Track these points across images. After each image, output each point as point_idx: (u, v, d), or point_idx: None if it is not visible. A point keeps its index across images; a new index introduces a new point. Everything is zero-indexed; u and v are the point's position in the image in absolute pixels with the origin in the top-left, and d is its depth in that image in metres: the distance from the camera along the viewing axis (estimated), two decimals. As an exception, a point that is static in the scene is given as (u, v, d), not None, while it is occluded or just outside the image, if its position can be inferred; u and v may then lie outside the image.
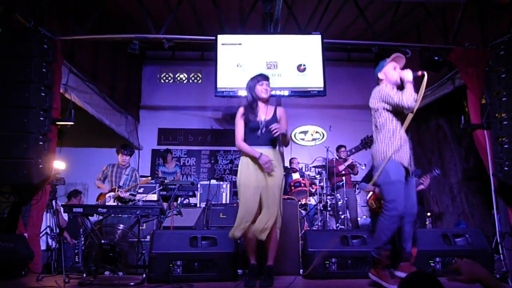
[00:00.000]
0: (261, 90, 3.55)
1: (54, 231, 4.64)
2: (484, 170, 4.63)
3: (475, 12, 5.43)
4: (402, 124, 3.26)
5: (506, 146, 4.14)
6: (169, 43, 5.13)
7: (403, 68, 3.36)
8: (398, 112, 3.23)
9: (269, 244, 3.42)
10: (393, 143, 3.22)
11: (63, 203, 5.56)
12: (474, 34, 5.42)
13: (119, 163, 5.74)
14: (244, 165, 3.46)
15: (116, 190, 5.51)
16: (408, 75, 3.22)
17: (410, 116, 3.20)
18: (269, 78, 3.67)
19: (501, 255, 4.22)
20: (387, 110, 3.28)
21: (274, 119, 3.51)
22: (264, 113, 3.53)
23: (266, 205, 3.36)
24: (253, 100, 3.58)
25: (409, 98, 3.11)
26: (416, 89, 3.19)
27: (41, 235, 4.51)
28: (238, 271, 3.95)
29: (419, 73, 3.25)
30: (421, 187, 5.98)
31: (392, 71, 3.35)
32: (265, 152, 3.40)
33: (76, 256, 4.88)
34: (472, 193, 6.87)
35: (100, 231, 4.08)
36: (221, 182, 7.04)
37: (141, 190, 5.83)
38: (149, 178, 5.94)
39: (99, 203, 5.55)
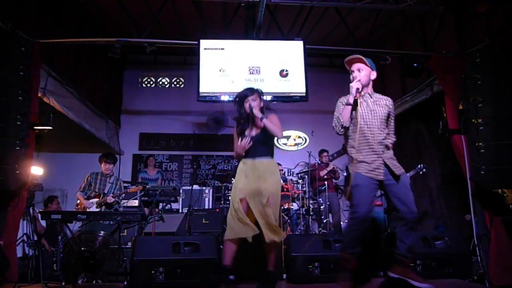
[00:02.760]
0: (247, 107, 3.54)
1: (31, 238, 4.53)
2: (462, 174, 4.73)
3: (452, 20, 5.58)
4: (360, 130, 3.23)
5: (483, 150, 4.24)
6: (151, 47, 5.09)
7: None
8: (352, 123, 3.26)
9: (269, 249, 3.42)
10: (351, 153, 3.28)
11: (40, 210, 5.42)
12: (451, 41, 5.56)
13: (103, 171, 5.63)
14: (238, 170, 3.58)
15: (101, 197, 5.40)
16: (351, 93, 3.18)
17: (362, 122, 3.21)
18: (253, 91, 3.61)
19: (479, 257, 4.30)
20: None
21: (264, 131, 3.50)
22: (256, 125, 3.55)
23: (257, 210, 3.37)
24: (240, 116, 3.61)
25: (336, 125, 3.26)
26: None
27: (17, 242, 4.39)
28: (221, 277, 3.92)
29: (357, 96, 3.19)
30: None
31: (351, 77, 3.33)
32: (258, 162, 3.48)
33: (54, 264, 4.77)
34: (450, 196, 7.01)
35: (80, 238, 4.00)
36: (204, 187, 7.01)
37: (122, 195, 5.74)
38: (140, 187, 5.80)
39: (78, 208, 5.42)
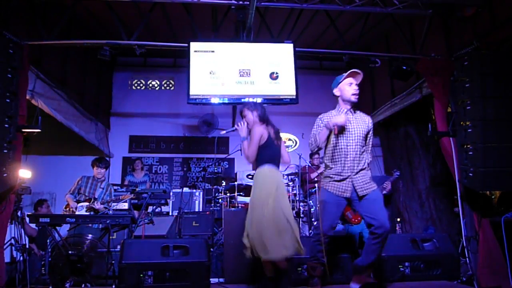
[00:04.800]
0: (238, 129, 3.74)
1: (19, 242, 4.46)
2: (451, 176, 4.77)
3: (440, 24, 5.64)
4: (333, 148, 3.33)
5: (471, 153, 4.28)
6: (141, 49, 5.06)
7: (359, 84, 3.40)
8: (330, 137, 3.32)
9: None
10: (322, 170, 3.40)
11: (28, 213, 5.34)
12: (439, 44, 5.62)
13: (94, 175, 5.56)
14: None
15: (91, 201, 5.32)
16: (334, 124, 3.21)
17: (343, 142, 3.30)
18: (243, 106, 3.77)
19: (467, 259, 4.35)
20: None
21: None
22: None
23: None
24: None
25: (312, 143, 3.33)
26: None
27: (5, 246, 4.32)
28: (211, 280, 3.91)
29: (335, 129, 3.24)
30: (384, 192, 6.09)
31: (348, 87, 3.37)
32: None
33: (43, 268, 4.71)
34: (439, 198, 7.07)
35: (68, 242, 3.96)
36: (194, 190, 6.98)
37: (111, 202, 5.67)
38: (133, 196, 5.69)
39: (66, 211, 5.34)
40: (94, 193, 5.46)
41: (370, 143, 3.42)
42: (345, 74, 3.39)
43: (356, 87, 3.37)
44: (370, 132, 3.41)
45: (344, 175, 3.26)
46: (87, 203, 5.32)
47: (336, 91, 3.45)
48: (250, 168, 3.73)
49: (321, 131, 3.29)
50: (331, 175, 3.30)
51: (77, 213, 5.17)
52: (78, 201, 5.37)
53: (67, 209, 5.35)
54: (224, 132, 4.06)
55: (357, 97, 3.34)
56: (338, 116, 3.30)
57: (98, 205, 5.27)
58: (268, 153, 3.55)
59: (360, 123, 3.36)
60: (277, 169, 3.58)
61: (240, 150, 3.73)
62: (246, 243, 3.33)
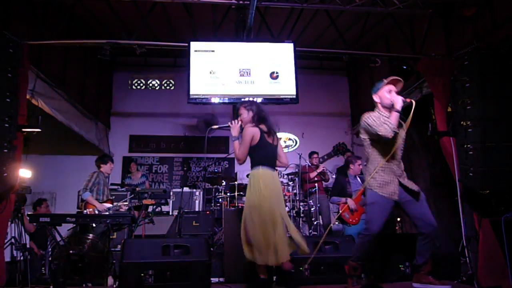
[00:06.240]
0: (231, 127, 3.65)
1: (20, 241, 4.46)
2: (451, 176, 4.76)
3: (440, 23, 5.64)
4: (382, 150, 3.31)
5: (471, 152, 4.27)
6: (141, 49, 5.07)
7: (399, 92, 3.36)
8: (383, 141, 3.25)
9: None
10: (369, 172, 3.35)
11: (28, 213, 5.34)
12: (440, 44, 5.62)
13: (105, 172, 5.47)
14: None
15: (112, 203, 5.20)
16: (397, 102, 3.22)
17: (397, 145, 3.28)
18: (239, 104, 3.72)
19: (467, 258, 4.34)
20: (372, 140, 3.36)
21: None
22: None
23: None
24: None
25: (387, 129, 3.14)
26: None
27: (5, 246, 4.32)
28: (211, 279, 3.91)
29: (408, 100, 3.26)
30: None
31: (387, 94, 3.35)
32: None
33: (43, 268, 4.70)
34: (439, 198, 7.06)
35: (69, 241, 3.96)
36: (194, 190, 6.98)
37: (112, 197, 5.65)
38: (153, 201, 5.61)
39: (89, 212, 5.12)
40: (109, 192, 5.35)
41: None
42: (385, 81, 3.38)
43: (391, 96, 3.34)
44: None
45: (393, 177, 3.33)
46: (110, 204, 5.18)
47: (375, 97, 3.45)
48: (250, 167, 3.69)
49: (391, 116, 3.21)
50: (380, 179, 3.35)
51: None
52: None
53: (91, 210, 5.13)
54: (216, 127, 3.97)
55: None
56: (395, 96, 3.29)
57: (123, 207, 5.16)
58: (262, 154, 3.47)
59: (403, 128, 3.42)
60: (272, 169, 3.50)
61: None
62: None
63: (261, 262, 3.24)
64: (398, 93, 3.37)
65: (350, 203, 5.30)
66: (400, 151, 3.40)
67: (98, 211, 5.04)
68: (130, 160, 7.78)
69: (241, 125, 3.59)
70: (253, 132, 3.45)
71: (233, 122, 3.61)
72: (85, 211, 5.11)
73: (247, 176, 3.59)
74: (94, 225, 4.43)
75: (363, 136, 3.43)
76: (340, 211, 5.36)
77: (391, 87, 3.37)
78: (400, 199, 3.28)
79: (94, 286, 3.81)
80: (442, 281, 3.46)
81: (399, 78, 3.37)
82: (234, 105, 3.87)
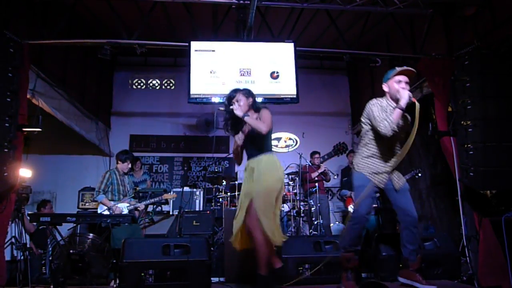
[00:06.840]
0: (235, 108, 3.47)
1: (20, 241, 4.47)
2: (451, 176, 4.76)
3: (441, 23, 5.64)
4: (380, 139, 3.31)
5: (471, 152, 4.28)
6: (141, 48, 5.07)
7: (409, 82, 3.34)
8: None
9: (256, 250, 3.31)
10: (362, 156, 3.35)
11: (29, 213, 5.33)
12: (440, 43, 5.62)
13: (120, 170, 5.44)
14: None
15: (128, 202, 5.17)
16: (403, 98, 3.19)
17: (409, 141, 3.22)
18: (237, 91, 3.59)
19: (468, 258, 4.34)
20: (368, 125, 3.37)
21: (252, 130, 3.43)
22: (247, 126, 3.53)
23: (241, 214, 3.37)
24: (229, 117, 3.59)
25: (387, 126, 3.13)
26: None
27: (5, 245, 4.33)
28: (212, 279, 3.91)
29: (413, 99, 3.24)
30: None
31: (396, 85, 3.32)
32: (251, 162, 3.47)
33: (43, 267, 4.70)
34: (440, 198, 7.06)
35: (69, 241, 3.96)
36: (195, 189, 6.98)
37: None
38: (175, 195, 5.59)
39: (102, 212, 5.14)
40: (125, 190, 5.32)
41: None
42: (396, 70, 3.33)
43: (405, 85, 3.31)
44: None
45: (387, 168, 3.35)
46: (126, 204, 5.15)
47: (384, 86, 3.42)
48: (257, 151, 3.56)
49: (394, 113, 3.19)
50: (373, 166, 3.38)
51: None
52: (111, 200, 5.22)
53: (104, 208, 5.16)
54: (223, 109, 3.68)
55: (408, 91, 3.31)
56: (403, 91, 3.26)
57: (142, 205, 5.15)
58: (271, 139, 3.53)
59: (404, 120, 3.40)
60: None
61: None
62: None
63: (276, 242, 3.26)
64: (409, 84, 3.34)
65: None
66: (398, 146, 3.37)
67: (111, 211, 5.05)
68: (136, 159, 7.77)
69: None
70: (271, 115, 3.44)
71: (235, 103, 3.49)
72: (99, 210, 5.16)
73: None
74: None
75: (363, 118, 3.41)
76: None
77: (402, 77, 3.32)
78: (385, 185, 3.33)
79: (94, 286, 3.81)
80: (429, 281, 3.39)
81: (409, 68, 3.34)
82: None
